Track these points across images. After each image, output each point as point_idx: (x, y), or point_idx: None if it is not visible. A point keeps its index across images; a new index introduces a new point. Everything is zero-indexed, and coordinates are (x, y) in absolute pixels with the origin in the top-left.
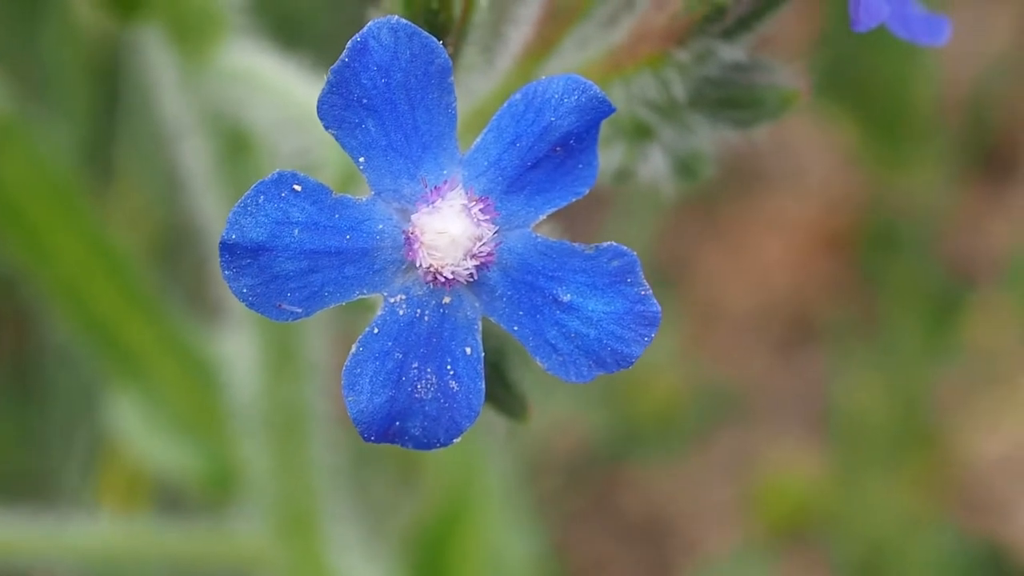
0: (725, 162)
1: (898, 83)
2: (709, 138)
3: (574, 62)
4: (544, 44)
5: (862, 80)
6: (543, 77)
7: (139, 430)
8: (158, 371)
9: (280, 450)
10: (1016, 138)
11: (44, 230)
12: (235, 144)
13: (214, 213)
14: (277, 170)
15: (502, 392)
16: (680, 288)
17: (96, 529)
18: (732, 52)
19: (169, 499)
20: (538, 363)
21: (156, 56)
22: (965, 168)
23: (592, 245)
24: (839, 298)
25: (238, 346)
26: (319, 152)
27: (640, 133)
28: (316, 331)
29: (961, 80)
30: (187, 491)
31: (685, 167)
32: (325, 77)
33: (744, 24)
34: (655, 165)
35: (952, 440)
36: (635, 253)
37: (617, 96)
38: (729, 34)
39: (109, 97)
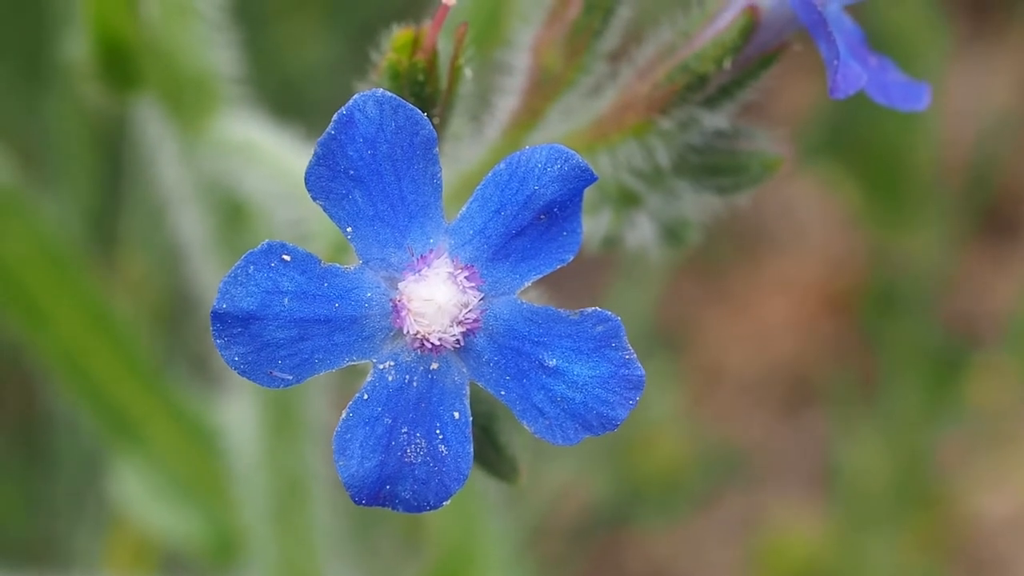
0: (727, 225)
1: (898, 144)
2: (694, 204)
3: (560, 131)
4: (531, 114)
5: (862, 142)
6: (528, 147)
7: (141, 497)
8: (158, 438)
9: (281, 514)
10: (1017, 198)
11: (44, 301)
12: (233, 214)
13: (213, 281)
14: (266, 240)
15: (493, 455)
16: (683, 350)
17: None
18: (715, 120)
19: (176, 564)
20: (525, 427)
21: (154, 127)
22: (966, 228)
23: (577, 311)
24: (841, 359)
25: (238, 412)
26: (312, 222)
27: (626, 200)
28: (316, 395)
29: (962, 140)
30: (191, 557)
31: (671, 233)
32: (315, 147)
33: (726, 92)
34: (642, 231)
35: (955, 499)
36: (619, 318)
37: (603, 164)
38: (711, 102)
39: (112, 167)
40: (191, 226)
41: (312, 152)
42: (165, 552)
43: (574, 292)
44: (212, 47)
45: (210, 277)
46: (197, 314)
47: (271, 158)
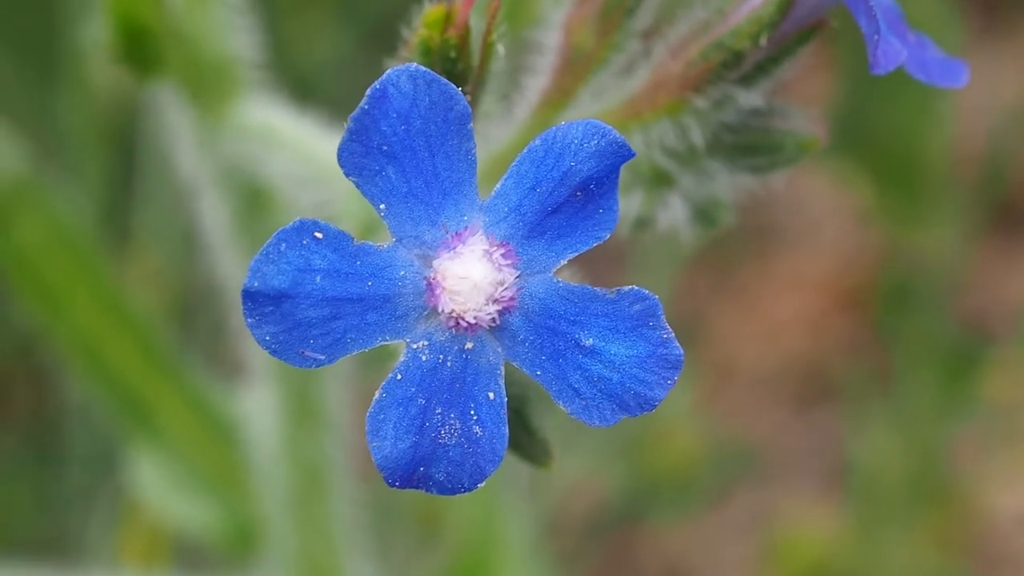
0: (740, 219)
1: (911, 139)
2: (728, 184)
3: (592, 110)
4: (562, 93)
5: (875, 136)
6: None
7: (159, 488)
8: (177, 429)
9: (300, 506)
10: None
11: (62, 291)
12: (253, 200)
13: (233, 270)
14: (298, 218)
15: (525, 438)
16: (695, 346)
17: None
18: (749, 98)
19: (190, 557)
20: (561, 407)
21: (172, 114)
22: (979, 223)
23: (614, 289)
24: (854, 355)
25: (257, 403)
26: (338, 205)
27: (659, 180)
28: (336, 386)
29: (974, 135)
30: (208, 549)
31: (704, 214)
32: (342, 130)
33: (762, 70)
34: (674, 212)
35: (969, 495)
36: (656, 296)
37: (636, 143)
38: (746, 80)
39: (125, 159)
40: (211, 213)
41: (339, 134)
42: (178, 545)
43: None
44: (233, 32)
45: (230, 265)
46: (211, 307)
47: (293, 142)
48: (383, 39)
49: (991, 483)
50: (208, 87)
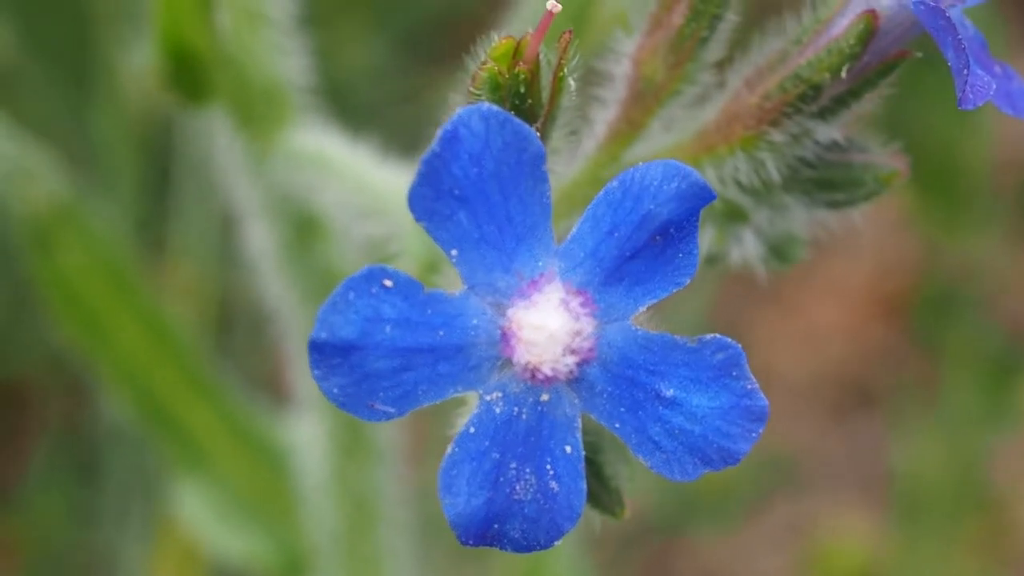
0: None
1: (952, 144)
2: (803, 220)
3: (663, 143)
4: (631, 126)
5: (916, 143)
6: (633, 160)
7: (204, 517)
8: (222, 457)
9: (350, 537)
10: None
11: (104, 316)
12: (304, 228)
13: (283, 297)
14: (367, 265)
15: (597, 487)
16: None
17: None
18: (828, 132)
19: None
20: (641, 461)
21: (220, 139)
22: (1021, 229)
23: (695, 338)
24: (894, 363)
25: (306, 431)
26: (395, 238)
27: (732, 216)
28: None
29: (1016, 140)
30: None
31: (778, 250)
32: (395, 159)
33: (841, 103)
34: (747, 248)
35: (1011, 504)
36: (739, 345)
37: (708, 178)
38: (825, 113)
39: (159, 172)
40: (260, 239)
41: (391, 166)
42: (211, 564)
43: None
44: (283, 55)
45: (279, 292)
46: (249, 321)
47: (347, 171)
48: (416, 47)
49: None
50: (258, 112)
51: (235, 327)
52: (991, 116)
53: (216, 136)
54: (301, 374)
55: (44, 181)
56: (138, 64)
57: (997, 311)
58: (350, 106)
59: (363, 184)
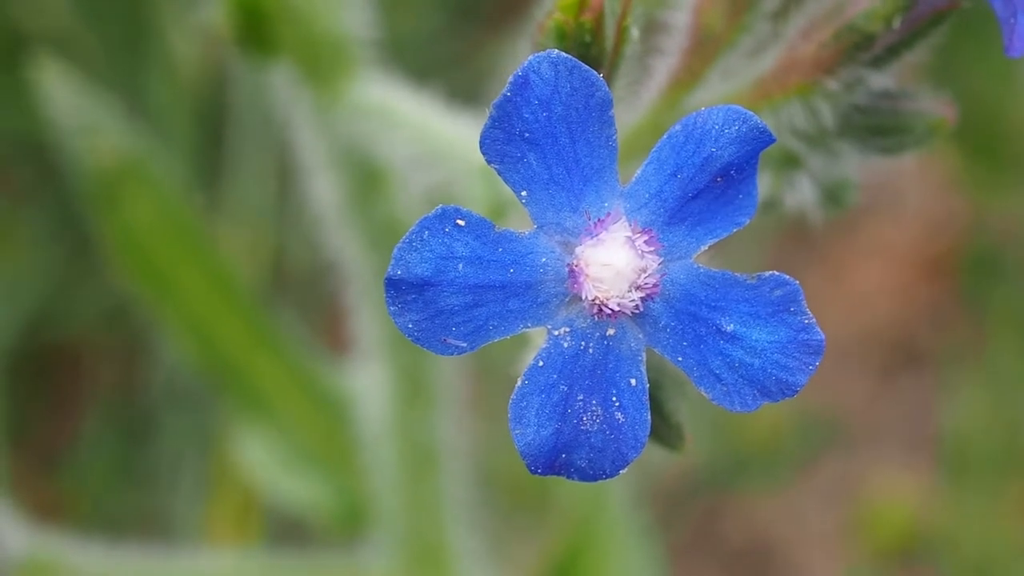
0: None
1: (998, 107)
2: (856, 165)
3: (720, 92)
4: (691, 75)
5: (961, 104)
6: (692, 108)
7: (267, 466)
8: (285, 406)
9: (410, 484)
10: None
11: (170, 270)
12: (368, 180)
13: (347, 248)
14: (441, 205)
15: (659, 422)
16: None
17: (227, 563)
18: (881, 80)
19: (278, 533)
20: (702, 393)
21: (285, 92)
22: None
23: (754, 275)
24: (941, 323)
25: (367, 380)
26: (457, 185)
27: (788, 162)
28: (448, 364)
29: None
30: (302, 524)
31: (832, 195)
32: (458, 110)
33: (894, 52)
34: (802, 194)
35: None
36: (797, 282)
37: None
38: (878, 62)
39: (212, 132)
40: (325, 192)
41: (456, 115)
42: (268, 523)
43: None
44: (347, 9)
45: (344, 243)
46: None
47: (410, 120)
48: (475, 10)
49: None
50: (323, 66)
51: (289, 286)
52: None
53: (280, 90)
54: (363, 323)
55: (111, 135)
56: (205, 20)
57: None
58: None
59: (427, 133)
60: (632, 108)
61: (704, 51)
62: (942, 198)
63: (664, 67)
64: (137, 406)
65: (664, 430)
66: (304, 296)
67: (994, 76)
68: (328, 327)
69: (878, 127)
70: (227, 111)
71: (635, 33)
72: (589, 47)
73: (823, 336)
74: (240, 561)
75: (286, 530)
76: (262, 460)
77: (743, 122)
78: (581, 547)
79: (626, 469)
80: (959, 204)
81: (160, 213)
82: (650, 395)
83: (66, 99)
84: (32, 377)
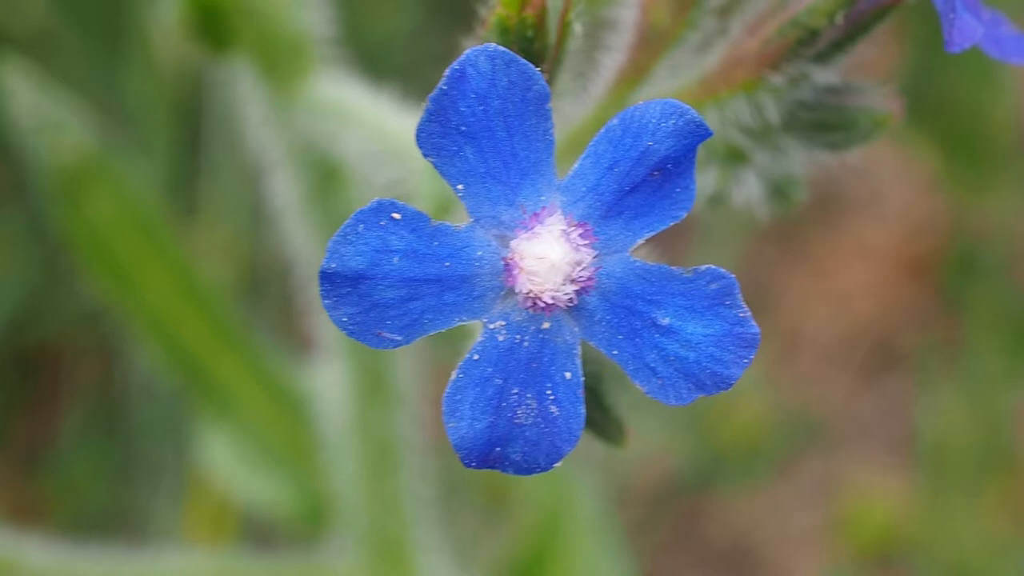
0: (808, 188)
1: (978, 107)
2: (803, 162)
3: (668, 88)
4: (637, 71)
5: (942, 105)
6: (638, 103)
7: (229, 464)
8: (248, 404)
9: (371, 481)
10: None
11: (133, 267)
12: (326, 177)
13: (305, 246)
14: (376, 198)
15: (599, 416)
16: (763, 315)
17: (193, 563)
18: (825, 75)
19: (257, 532)
20: (638, 387)
21: (244, 89)
22: None
23: (690, 268)
24: (922, 323)
25: (328, 378)
26: (412, 182)
27: (734, 157)
28: (407, 361)
29: None
30: (276, 524)
31: (779, 191)
32: (416, 108)
33: (837, 47)
34: (749, 189)
35: None
36: (733, 275)
37: (711, 121)
38: (822, 58)
39: (192, 130)
40: (283, 189)
41: (412, 113)
42: (244, 523)
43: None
44: (306, 6)
45: (303, 241)
46: (276, 283)
47: (367, 118)
48: (454, 8)
49: None
50: (281, 63)
51: (267, 283)
52: (1016, 78)
53: (240, 87)
54: (323, 321)
55: (73, 133)
56: (164, 17)
57: (1022, 271)
58: (385, 66)
59: (383, 131)
60: (580, 103)
61: (650, 47)
62: (924, 198)
63: (611, 63)
64: (117, 405)
65: (605, 424)
66: (281, 293)
67: (974, 76)
68: (304, 326)
69: (824, 123)
70: (205, 110)
71: (578, 28)
72: (531, 42)
73: (758, 329)
74: (199, 561)
75: (265, 530)
76: (225, 459)
77: (680, 116)
78: (545, 546)
79: (560, 462)
80: (940, 204)
81: (123, 211)
82: (591, 389)
83: (27, 97)
84: (12, 377)
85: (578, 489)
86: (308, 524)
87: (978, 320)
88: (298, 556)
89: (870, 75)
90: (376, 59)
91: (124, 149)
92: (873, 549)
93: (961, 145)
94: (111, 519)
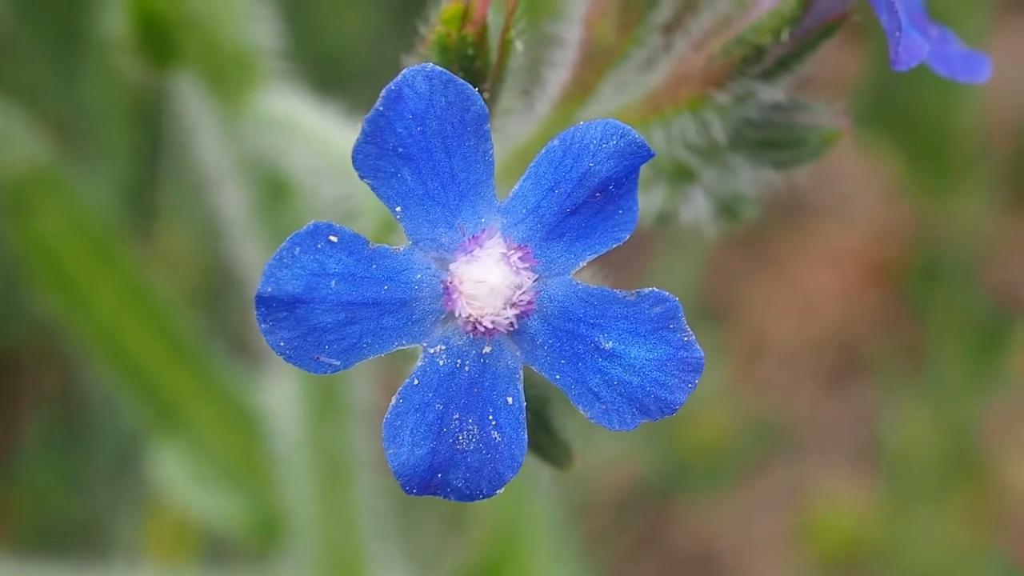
0: (771, 195)
1: (942, 113)
2: (750, 179)
3: (614, 105)
4: (583, 88)
5: (906, 111)
6: (581, 122)
7: (182, 479)
8: (199, 420)
9: (325, 496)
10: None
11: (82, 281)
12: (275, 190)
13: (254, 259)
14: (313, 221)
15: (546, 440)
16: (727, 321)
17: None
18: (771, 93)
19: (217, 548)
20: (581, 411)
21: (193, 103)
22: (1010, 197)
23: (633, 291)
24: (886, 329)
25: (281, 393)
26: (359, 199)
27: (681, 175)
28: (360, 375)
29: (1005, 108)
30: (234, 540)
31: (727, 209)
32: (362, 124)
33: (783, 65)
34: (697, 207)
35: (1000, 470)
36: (676, 299)
37: (657, 139)
38: (768, 75)
39: (151, 142)
40: (232, 203)
41: (359, 128)
42: (206, 537)
43: (618, 262)
44: (252, 20)
45: (252, 255)
46: (237, 291)
47: (314, 133)
48: (415, 14)
49: (1021, 458)
50: (227, 76)
51: (227, 294)
52: (981, 88)
53: (187, 100)
54: None
55: (22, 144)
56: (109, 30)
57: (984, 278)
58: (347, 75)
59: (328, 146)
60: (525, 121)
61: (596, 64)
62: (888, 204)
63: (556, 80)
64: (79, 416)
65: (552, 448)
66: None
67: (938, 83)
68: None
69: (771, 140)
70: (166, 116)
71: (519, 46)
72: (472, 60)
73: (702, 354)
74: None
75: (226, 544)
76: (178, 474)
77: (620, 136)
78: (502, 558)
79: (502, 489)
80: (905, 210)
81: (73, 224)
82: (537, 412)
83: None
84: None
85: (536, 500)
86: (262, 539)
87: (942, 326)
88: (251, 571)
89: (832, 84)
90: (338, 65)
91: (78, 159)
92: (838, 556)
93: (925, 151)
94: (72, 530)
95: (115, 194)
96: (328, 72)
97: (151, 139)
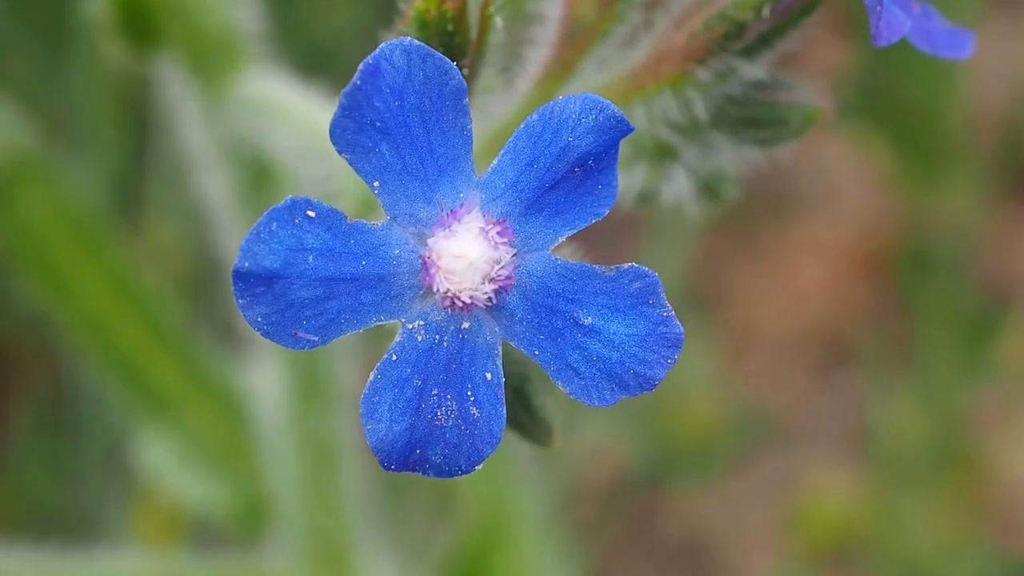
0: (760, 185)
1: (931, 105)
2: (732, 158)
3: (594, 83)
4: (563, 66)
5: (895, 102)
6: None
7: (168, 466)
8: (186, 407)
9: (310, 481)
10: None
11: (67, 270)
12: (258, 174)
13: (237, 244)
14: (290, 196)
15: (526, 417)
16: (716, 312)
17: (130, 564)
18: (753, 70)
19: (205, 536)
20: (560, 387)
21: (176, 87)
22: (999, 188)
23: (613, 267)
24: (875, 320)
25: (265, 378)
26: (341, 179)
27: (662, 154)
28: (344, 360)
29: (994, 100)
30: (222, 526)
31: (708, 188)
32: (339, 98)
33: (765, 42)
34: (678, 186)
35: (989, 460)
36: (656, 274)
37: (638, 117)
38: (750, 52)
39: (138, 133)
40: (216, 187)
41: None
42: (194, 524)
43: (605, 253)
44: (234, 3)
45: (235, 239)
46: (224, 280)
47: (297, 115)
48: (404, 3)
49: (1011, 447)
50: (210, 60)
51: (215, 283)
52: (969, 76)
53: (172, 84)
54: None
55: (7, 133)
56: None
57: (974, 269)
58: (333, 65)
59: (312, 127)
60: (506, 99)
61: (577, 41)
62: (877, 195)
63: (537, 58)
64: (68, 405)
65: (532, 425)
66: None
67: (927, 73)
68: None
69: (752, 118)
70: (154, 105)
71: (499, 22)
72: (452, 36)
73: (682, 329)
74: (138, 562)
75: (217, 531)
76: (164, 460)
77: (600, 111)
78: (489, 545)
79: (481, 465)
80: (893, 201)
81: (58, 213)
82: (517, 389)
83: None
84: None
85: (524, 488)
86: (247, 525)
87: (931, 317)
88: (237, 557)
89: (821, 76)
90: (325, 56)
91: (66, 151)
92: (827, 546)
93: (914, 143)
94: (62, 519)
95: (103, 185)
96: (314, 64)
97: (138, 131)
